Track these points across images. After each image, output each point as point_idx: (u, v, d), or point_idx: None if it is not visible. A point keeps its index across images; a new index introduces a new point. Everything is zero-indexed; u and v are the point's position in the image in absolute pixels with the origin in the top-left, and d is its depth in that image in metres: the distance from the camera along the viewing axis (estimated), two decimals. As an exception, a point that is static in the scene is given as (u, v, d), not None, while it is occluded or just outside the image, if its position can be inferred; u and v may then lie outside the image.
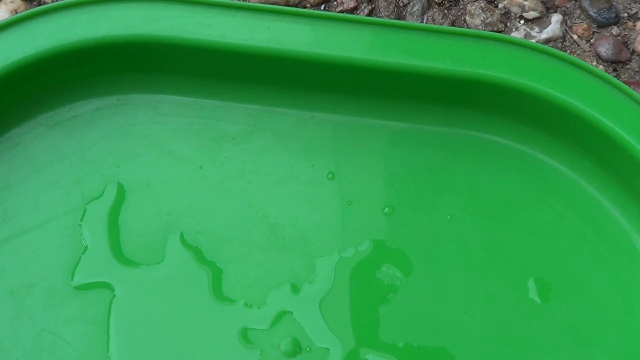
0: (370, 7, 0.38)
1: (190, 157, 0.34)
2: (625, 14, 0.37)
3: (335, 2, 0.38)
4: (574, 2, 0.37)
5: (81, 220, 0.33)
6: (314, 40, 0.32)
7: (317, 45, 0.32)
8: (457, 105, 0.34)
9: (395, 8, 0.37)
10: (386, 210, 0.33)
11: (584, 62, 0.32)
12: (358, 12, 0.38)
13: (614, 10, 0.37)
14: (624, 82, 0.36)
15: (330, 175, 0.34)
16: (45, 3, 0.38)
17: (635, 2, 0.37)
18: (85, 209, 0.33)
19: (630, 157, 0.31)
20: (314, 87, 0.34)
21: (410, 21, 0.37)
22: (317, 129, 0.34)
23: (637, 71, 0.36)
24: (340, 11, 0.38)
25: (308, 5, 0.38)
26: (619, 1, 0.37)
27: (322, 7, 0.38)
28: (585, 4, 0.37)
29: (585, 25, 0.37)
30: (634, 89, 0.32)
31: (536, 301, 0.32)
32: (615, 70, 0.37)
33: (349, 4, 0.38)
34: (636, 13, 0.37)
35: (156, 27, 0.32)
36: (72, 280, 0.32)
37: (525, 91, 0.32)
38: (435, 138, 0.34)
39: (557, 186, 0.34)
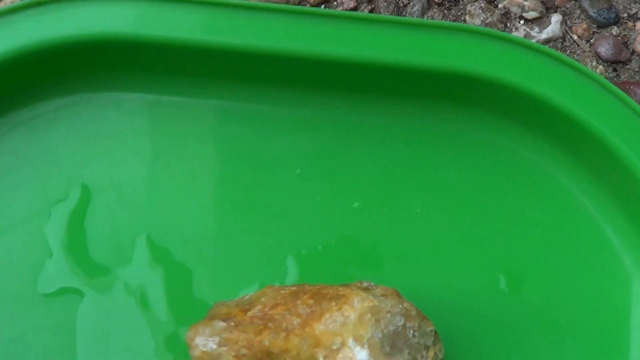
0: (370, 7, 0.37)
1: (156, 156, 0.33)
2: (625, 14, 0.37)
3: (335, 2, 0.37)
4: (574, 2, 0.37)
5: (46, 224, 0.32)
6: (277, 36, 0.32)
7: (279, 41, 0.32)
8: (422, 98, 0.33)
9: (395, 8, 0.37)
10: (355, 205, 0.33)
11: (575, 61, 0.32)
12: (358, 12, 0.37)
13: (614, 10, 0.37)
14: (624, 82, 0.36)
15: (299, 171, 0.34)
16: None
17: (635, 2, 0.37)
18: (50, 213, 0.32)
19: (602, 147, 0.32)
20: (281, 82, 0.33)
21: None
22: (285, 124, 0.34)
23: (637, 71, 0.36)
24: (340, 11, 0.37)
25: (308, 5, 0.38)
26: (619, 1, 0.37)
27: (322, 7, 0.38)
28: (585, 4, 0.36)
29: (585, 25, 0.37)
30: (634, 89, 0.32)
31: (507, 291, 0.33)
32: (615, 70, 0.37)
33: (349, 4, 0.37)
34: (636, 13, 0.37)
35: (118, 25, 0.31)
36: (38, 286, 0.31)
37: (502, 84, 0.32)
38: (403, 132, 0.34)
39: (526, 175, 0.34)
